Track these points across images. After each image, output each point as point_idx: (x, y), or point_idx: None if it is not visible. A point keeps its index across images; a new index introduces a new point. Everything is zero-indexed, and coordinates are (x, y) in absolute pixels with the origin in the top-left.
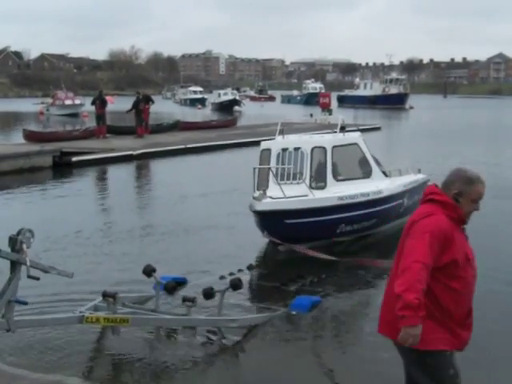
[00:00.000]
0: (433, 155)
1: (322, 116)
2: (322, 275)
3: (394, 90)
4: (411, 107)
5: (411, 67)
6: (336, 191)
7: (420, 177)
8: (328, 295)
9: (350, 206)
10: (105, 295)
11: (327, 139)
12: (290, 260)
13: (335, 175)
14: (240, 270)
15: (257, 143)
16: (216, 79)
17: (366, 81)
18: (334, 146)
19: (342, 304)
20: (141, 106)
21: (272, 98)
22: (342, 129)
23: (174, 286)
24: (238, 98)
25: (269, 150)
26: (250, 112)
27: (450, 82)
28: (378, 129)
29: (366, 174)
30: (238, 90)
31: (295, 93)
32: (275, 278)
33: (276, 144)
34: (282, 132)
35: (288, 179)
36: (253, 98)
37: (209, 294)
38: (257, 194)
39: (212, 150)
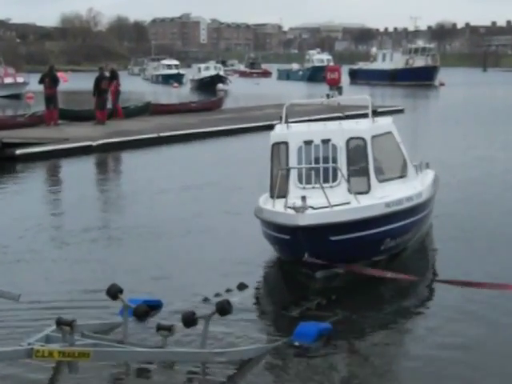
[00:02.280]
0: (462, 146)
1: (333, 95)
2: (331, 296)
3: (419, 62)
4: (442, 84)
5: (442, 33)
6: (381, 196)
7: (430, 174)
8: (339, 321)
9: (397, 214)
10: (59, 323)
11: (364, 127)
12: (292, 278)
13: (377, 174)
14: (228, 290)
15: (247, 130)
16: (196, 50)
17: (384, 51)
18: (374, 136)
19: (356, 332)
20: (104, 85)
21: (266, 74)
22: (374, 113)
23: (145, 310)
24: (222, 73)
25: (285, 143)
26: (239, 91)
27: (490, 52)
28: (400, 111)
29: (404, 171)
30: (223, 63)
31: (295, 66)
32: (273, 301)
33: (295, 135)
34: (287, 118)
35: (317, 182)
36: (242, 74)
37: (190, 320)
38: (291, 201)
39: (192, 139)
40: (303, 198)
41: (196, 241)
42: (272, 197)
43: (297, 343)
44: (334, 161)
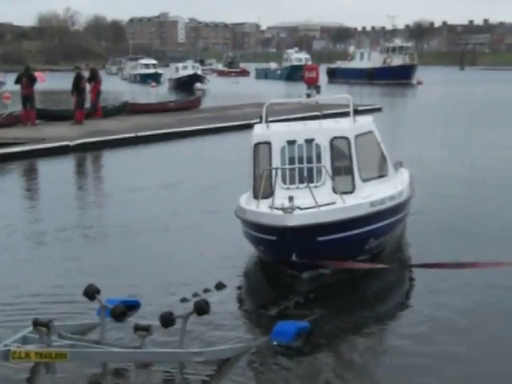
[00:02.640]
0: (438, 143)
1: (311, 94)
2: (309, 295)
3: (397, 61)
4: (419, 82)
5: (419, 32)
6: (365, 195)
7: (405, 173)
8: (318, 319)
9: (381, 214)
10: (36, 324)
11: (347, 126)
12: (270, 277)
13: (361, 174)
14: (207, 290)
15: (225, 129)
16: (174, 49)
17: (362, 50)
18: (357, 136)
19: (335, 330)
20: (83, 84)
21: (245, 73)
22: (356, 112)
23: (123, 310)
24: (200, 72)
25: (268, 143)
26: (217, 90)
27: (468, 51)
28: (378, 110)
29: (384, 170)
30: (201, 62)
31: (273, 66)
32: (252, 300)
33: (278, 135)
34: (267, 118)
35: (301, 182)
36: (221, 73)
37: (168, 320)
38: (278, 202)
39: (170, 138)
40: (290, 199)
41: (173, 240)
42: (256, 197)
43: (275, 342)
44: (318, 160)
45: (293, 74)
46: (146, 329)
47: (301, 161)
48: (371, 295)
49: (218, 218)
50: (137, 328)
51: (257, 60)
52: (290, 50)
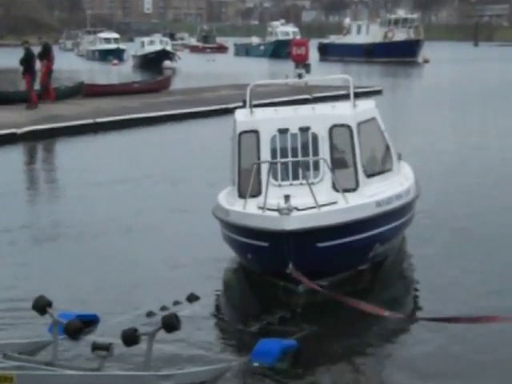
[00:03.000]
0: (445, 132)
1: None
2: (296, 309)
3: (400, 35)
4: (426, 60)
5: (426, 2)
6: (370, 193)
7: (407, 167)
8: (306, 337)
9: (387, 215)
10: None
11: (348, 112)
12: (251, 288)
13: (365, 169)
14: (177, 303)
15: (198, 115)
16: (139, 21)
17: (359, 22)
18: (359, 123)
19: (325, 349)
20: (34, 62)
21: (222, 49)
22: (356, 95)
23: (79, 326)
24: (169, 48)
25: (255, 132)
26: (190, 69)
27: (483, 24)
28: (377, 93)
29: (389, 163)
30: (171, 36)
31: (256, 40)
32: (229, 314)
33: (268, 123)
34: (251, 102)
35: (296, 178)
36: (194, 49)
37: (131, 338)
38: (271, 202)
39: (133, 125)
40: (287, 198)
41: (137, 244)
42: (242, 196)
43: (256, 363)
44: (315, 153)
45: (278, 50)
46: (106, 348)
47: (295, 153)
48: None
49: (190, 217)
50: (95, 347)
51: (236, 34)
52: (275, 23)
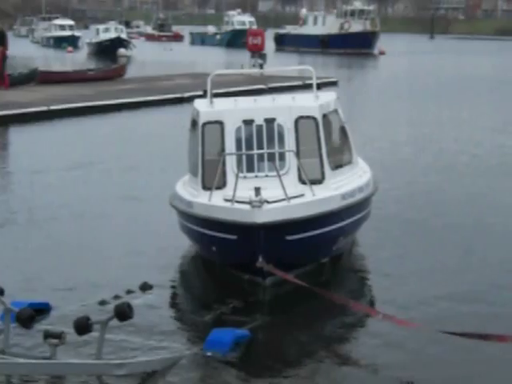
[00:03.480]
0: (398, 123)
1: (255, 64)
2: (248, 298)
3: (356, 27)
4: (382, 52)
5: None
6: (335, 186)
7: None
8: (259, 327)
9: (351, 208)
10: None
11: (313, 104)
12: (204, 277)
13: (329, 161)
14: (130, 292)
15: (154, 103)
16: (94, 8)
17: (316, 13)
18: (324, 115)
19: (279, 339)
20: None
21: (178, 37)
22: (318, 87)
23: (31, 315)
24: (124, 36)
25: (220, 122)
26: (145, 57)
27: (439, 17)
28: (333, 84)
29: (350, 156)
30: (127, 24)
31: (211, 29)
32: (182, 304)
33: (233, 113)
34: (211, 92)
35: (261, 170)
36: (150, 37)
37: (83, 326)
38: (238, 194)
39: (88, 113)
40: (257, 190)
41: (88, 231)
42: (206, 188)
43: (209, 353)
44: (281, 144)
45: (235, 39)
46: (58, 336)
47: (260, 144)
48: (329, 304)
49: (142, 205)
50: (47, 335)
51: (192, 23)
52: (231, 12)
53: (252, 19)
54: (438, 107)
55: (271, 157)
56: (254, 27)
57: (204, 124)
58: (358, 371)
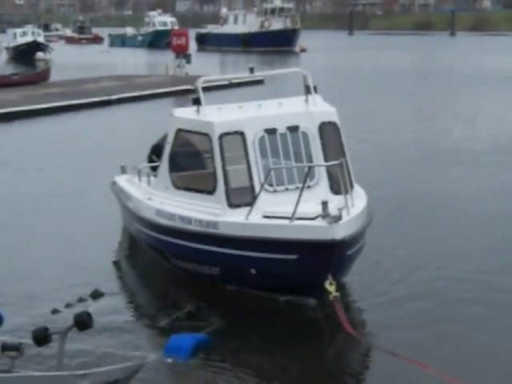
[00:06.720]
0: None
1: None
2: (201, 303)
3: (277, 24)
4: (303, 49)
5: None
6: (359, 194)
7: None
8: (217, 331)
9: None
10: None
11: (330, 109)
12: (155, 282)
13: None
14: (81, 300)
15: (82, 107)
16: (10, 12)
17: (236, 12)
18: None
19: (238, 341)
20: None
21: (98, 39)
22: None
23: None
24: (41, 39)
25: (240, 133)
26: (65, 60)
27: (357, 13)
28: (259, 82)
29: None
30: (46, 27)
31: (130, 31)
32: (137, 310)
33: (253, 122)
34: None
35: (291, 182)
36: (70, 40)
37: (42, 337)
38: (269, 210)
39: (15, 118)
40: (325, 205)
41: (34, 234)
42: (233, 205)
43: (169, 360)
44: (308, 153)
45: (157, 40)
46: (17, 348)
47: (287, 154)
48: (283, 305)
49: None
50: (4, 348)
51: (110, 24)
52: (152, 13)
53: (173, 19)
54: (362, 101)
55: (300, 167)
56: (176, 27)
57: (221, 135)
58: (317, 371)
